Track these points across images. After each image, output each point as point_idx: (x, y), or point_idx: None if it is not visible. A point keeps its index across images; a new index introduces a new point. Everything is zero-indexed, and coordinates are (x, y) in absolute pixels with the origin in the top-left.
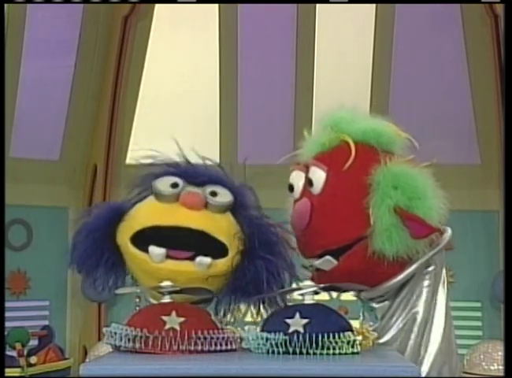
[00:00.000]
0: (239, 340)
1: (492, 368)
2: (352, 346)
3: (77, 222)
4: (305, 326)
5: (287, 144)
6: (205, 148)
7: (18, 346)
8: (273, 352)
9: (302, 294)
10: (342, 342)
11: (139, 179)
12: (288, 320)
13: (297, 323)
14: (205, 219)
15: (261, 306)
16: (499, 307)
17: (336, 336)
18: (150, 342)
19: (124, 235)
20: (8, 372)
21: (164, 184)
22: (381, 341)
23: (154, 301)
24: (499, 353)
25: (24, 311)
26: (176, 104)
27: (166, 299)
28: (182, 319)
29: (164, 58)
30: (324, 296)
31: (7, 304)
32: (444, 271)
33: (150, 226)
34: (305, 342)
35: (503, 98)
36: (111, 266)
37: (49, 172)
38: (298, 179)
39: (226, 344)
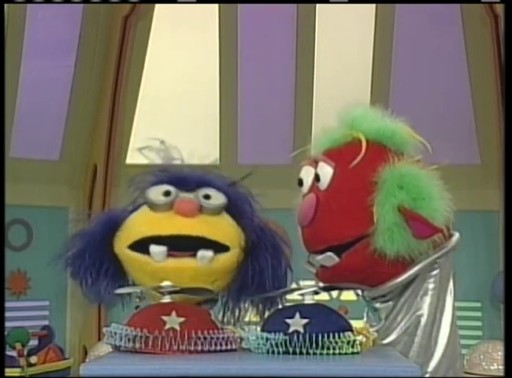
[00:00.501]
0: (239, 340)
1: (492, 368)
2: (352, 346)
3: (74, 232)
4: (305, 326)
5: (287, 144)
6: (205, 148)
7: (18, 346)
8: (273, 352)
9: (302, 294)
10: (342, 342)
11: (132, 186)
12: (288, 320)
13: (297, 323)
14: (203, 224)
15: (263, 306)
16: (499, 307)
17: (336, 336)
18: (150, 342)
19: (121, 244)
20: (8, 372)
21: (156, 193)
22: (384, 342)
23: (153, 301)
24: (499, 353)
25: (24, 311)
26: (176, 104)
27: (166, 299)
28: (182, 319)
29: (164, 58)
30: (324, 296)
31: (7, 304)
32: (452, 276)
33: (149, 236)
34: (305, 342)
35: (503, 98)
36: (111, 276)
37: (49, 172)
38: (307, 174)
39: (226, 344)
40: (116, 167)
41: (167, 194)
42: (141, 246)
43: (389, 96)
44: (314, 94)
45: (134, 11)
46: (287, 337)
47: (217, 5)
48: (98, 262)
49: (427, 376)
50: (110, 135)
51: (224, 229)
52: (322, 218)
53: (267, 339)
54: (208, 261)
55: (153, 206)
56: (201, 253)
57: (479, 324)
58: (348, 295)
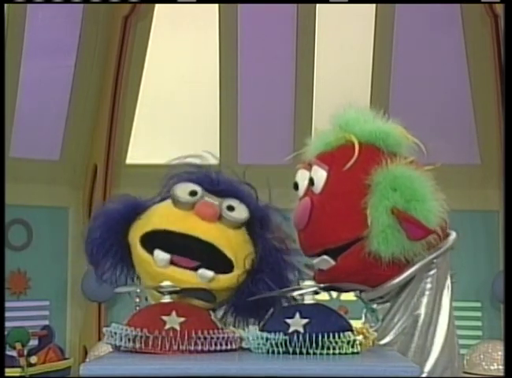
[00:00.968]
0: (239, 340)
1: (492, 368)
2: (352, 346)
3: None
4: (305, 326)
5: (287, 144)
6: (205, 148)
7: (18, 346)
8: (273, 352)
9: (302, 294)
10: (342, 342)
11: (164, 179)
12: (288, 320)
13: (297, 323)
14: (217, 231)
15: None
16: (499, 307)
17: (336, 336)
18: (151, 343)
19: (135, 234)
20: (8, 372)
21: (183, 191)
22: (382, 342)
23: (153, 301)
24: (499, 353)
25: (24, 311)
26: (176, 104)
27: (166, 299)
28: (182, 319)
29: (164, 58)
30: (324, 296)
31: (7, 304)
32: (449, 276)
33: (160, 229)
34: (305, 342)
35: (503, 98)
36: (119, 260)
37: (49, 172)
38: (302, 177)
39: (226, 344)
40: (116, 167)
41: (193, 193)
42: (150, 242)
43: (389, 96)
44: (314, 94)
45: (134, 11)
46: (287, 337)
47: (216, 5)
48: (109, 242)
49: (424, 375)
50: (110, 135)
51: (236, 244)
52: (317, 222)
53: (267, 339)
54: (207, 281)
55: (177, 202)
56: (201, 271)
57: (479, 324)
58: (348, 295)
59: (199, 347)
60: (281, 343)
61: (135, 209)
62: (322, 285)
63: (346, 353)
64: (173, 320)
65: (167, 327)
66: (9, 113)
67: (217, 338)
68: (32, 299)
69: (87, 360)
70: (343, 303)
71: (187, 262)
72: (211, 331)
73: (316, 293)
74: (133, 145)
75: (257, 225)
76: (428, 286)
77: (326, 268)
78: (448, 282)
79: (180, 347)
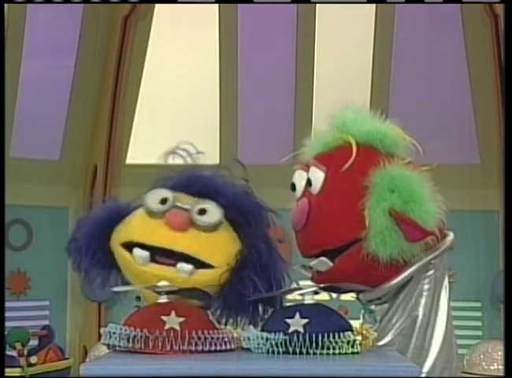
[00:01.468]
0: (237, 340)
1: (492, 368)
2: (352, 346)
3: (78, 219)
4: (305, 326)
5: (287, 144)
6: (205, 148)
7: (18, 346)
8: (273, 352)
9: (302, 294)
10: (342, 342)
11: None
12: (288, 320)
13: (297, 323)
14: (187, 240)
15: (262, 308)
16: (499, 307)
17: (336, 336)
18: (151, 343)
19: (115, 239)
20: (8, 371)
21: (153, 200)
22: (380, 343)
23: (146, 302)
24: (499, 353)
25: (24, 311)
26: (176, 104)
27: (163, 299)
28: (181, 319)
29: (164, 58)
30: (324, 296)
31: (7, 304)
32: (446, 276)
33: (135, 241)
34: (305, 342)
35: (503, 98)
36: (105, 265)
37: (49, 172)
38: (300, 178)
39: (226, 344)
40: (116, 167)
41: (164, 201)
42: (131, 245)
43: (389, 96)
44: (314, 94)
45: (134, 11)
46: (287, 337)
47: (217, 5)
48: (93, 249)
49: (423, 376)
50: (110, 135)
51: (212, 247)
52: (315, 223)
53: (267, 339)
54: (187, 274)
55: (149, 212)
56: (180, 265)
57: (479, 324)
58: (348, 295)
59: (199, 347)
60: (281, 343)
61: (118, 215)
62: (322, 285)
63: (346, 353)
64: (173, 320)
65: (167, 327)
66: (9, 113)
67: (217, 338)
68: (32, 299)
69: (87, 360)
70: (343, 303)
71: (167, 259)
72: (210, 332)
73: (316, 293)
74: (133, 145)
75: (244, 222)
76: (426, 287)
77: (324, 269)
78: (446, 282)
79: (181, 347)
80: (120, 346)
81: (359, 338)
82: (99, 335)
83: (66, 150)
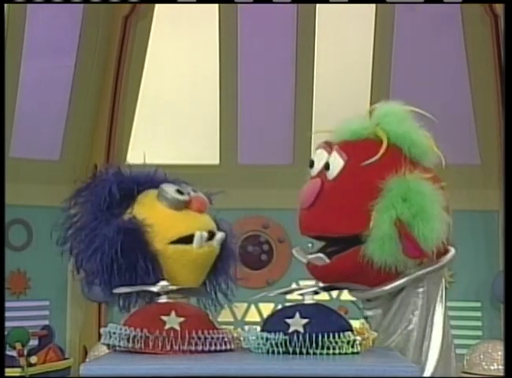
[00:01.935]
0: (237, 340)
1: (492, 368)
2: (352, 346)
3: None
4: (305, 326)
5: (287, 144)
6: (205, 148)
7: (18, 346)
8: (273, 352)
9: (302, 294)
10: (342, 342)
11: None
12: (288, 320)
13: (297, 323)
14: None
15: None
16: (499, 307)
17: (336, 336)
18: (151, 343)
19: (158, 241)
20: (8, 372)
21: (172, 191)
22: None
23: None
24: (499, 353)
25: (24, 311)
26: (176, 104)
27: (163, 299)
28: (181, 319)
29: (164, 58)
30: (324, 296)
31: (7, 304)
32: (443, 290)
33: (183, 236)
34: (305, 342)
35: (503, 98)
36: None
37: (49, 172)
38: (320, 157)
39: (226, 344)
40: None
41: (180, 192)
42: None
43: (389, 96)
44: (314, 94)
45: (134, 11)
46: (287, 337)
47: (216, 5)
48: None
49: None
50: (110, 135)
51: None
52: (321, 206)
53: (267, 339)
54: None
55: (174, 203)
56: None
57: (479, 324)
58: (348, 295)
59: (199, 347)
60: (281, 343)
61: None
62: (322, 285)
63: (346, 353)
64: (173, 320)
65: (167, 327)
66: (9, 113)
67: (217, 338)
68: (32, 299)
69: (87, 360)
70: (343, 303)
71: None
72: (210, 331)
73: (316, 293)
74: (133, 145)
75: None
76: (420, 302)
77: (320, 264)
78: (442, 296)
79: (181, 347)
80: (120, 346)
81: (359, 338)
82: (99, 335)
83: (66, 150)
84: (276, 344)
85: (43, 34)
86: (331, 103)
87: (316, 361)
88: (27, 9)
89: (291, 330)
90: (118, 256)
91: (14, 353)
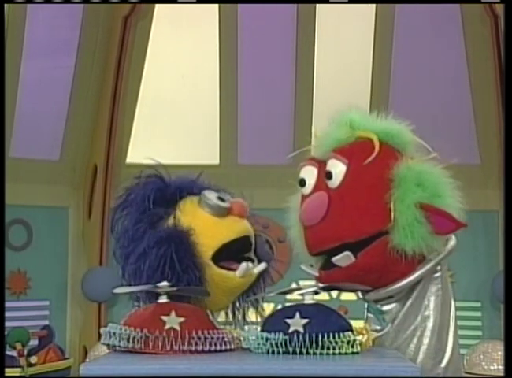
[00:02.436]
0: (237, 340)
1: (492, 368)
2: (352, 346)
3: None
4: (305, 326)
5: (287, 144)
6: (205, 148)
7: (18, 346)
8: (273, 352)
9: (302, 294)
10: (342, 342)
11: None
12: (288, 320)
13: (297, 323)
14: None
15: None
16: (499, 307)
17: (336, 336)
18: (151, 343)
19: (204, 251)
20: (8, 371)
21: (214, 197)
22: (393, 345)
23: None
24: (499, 353)
25: (24, 311)
26: (176, 104)
27: (163, 299)
28: (181, 319)
29: (164, 58)
30: (324, 296)
31: (7, 304)
32: (448, 278)
33: (226, 242)
34: (305, 342)
35: (503, 98)
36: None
37: (49, 172)
38: (310, 173)
39: (226, 344)
40: (116, 167)
41: (222, 199)
42: (222, 257)
43: (389, 96)
44: (314, 94)
45: (134, 11)
46: (287, 337)
47: (217, 5)
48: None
49: (441, 376)
50: (110, 135)
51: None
52: (336, 215)
53: (267, 339)
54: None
55: (217, 210)
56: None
57: (479, 324)
58: (348, 295)
59: (199, 347)
60: (281, 343)
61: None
62: (322, 285)
63: (346, 353)
64: (173, 320)
65: (167, 327)
66: (9, 113)
67: (217, 338)
68: (32, 299)
69: (87, 360)
70: (343, 303)
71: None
72: (210, 331)
73: (316, 293)
74: (133, 145)
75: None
76: (435, 288)
77: (345, 265)
78: (448, 281)
79: (181, 347)
80: (120, 346)
81: (359, 338)
82: (99, 335)
83: (66, 150)
84: (276, 344)
85: (43, 34)
86: (331, 103)
87: (316, 361)
88: (27, 9)
89: (291, 330)
90: (166, 264)
91: (14, 353)
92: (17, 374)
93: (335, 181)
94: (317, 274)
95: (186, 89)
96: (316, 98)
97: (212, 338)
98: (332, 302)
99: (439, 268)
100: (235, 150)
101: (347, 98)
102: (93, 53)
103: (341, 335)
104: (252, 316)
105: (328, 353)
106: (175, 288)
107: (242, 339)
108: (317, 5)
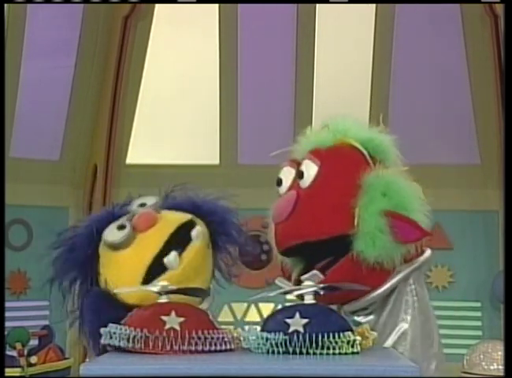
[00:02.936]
0: (237, 340)
1: (492, 368)
2: (352, 346)
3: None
4: (305, 326)
5: (287, 144)
6: (205, 148)
7: (18, 346)
8: (273, 352)
9: (302, 294)
10: (342, 342)
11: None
12: (288, 320)
13: (297, 323)
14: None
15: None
16: (499, 307)
17: (336, 336)
18: (151, 343)
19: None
20: (8, 372)
21: (109, 232)
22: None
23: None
24: (499, 353)
25: (24, 311)
26: (176, 104)
27: (163, 299)
28: (181, 319)
29: (164, 58)
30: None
31: (7, 304)
32: (426, 290)
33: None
34: (305, 342)
35: (503, 98)
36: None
37: (49, 172)
38: (287, 174)
39: (226, 344)
40: (116, 167)
41: (122, 226)
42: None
43: (389, 96)
44: (314, 94)
45: (134, 11)
46: (287, 337)
47: (217, 5)
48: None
49: None
50: (110, 135)
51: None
52: (301, 213)
53: (267, 339)
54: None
55: (119, 244)
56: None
57: (479, 324)
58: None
59: (199, 347)
60: (281, 343)
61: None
62: (322, 285)
63: (346, 353)
64: (173, 320)
65: (167, 327)
66: (9, 113)
67: (217, 338)
68: (32, 299)
69: (87, 360)
70: None
71: None
72: (210, 331)
73: (316, 293)
74: (133, 145)
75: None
76: (411, 300)
77: (316, 282)
78: (427, 295)
79: (181, 347)
80: (120, 346)
81: (359, 338)
82: (99, 335)
83: (66, 150)
84: (276, 344)
85: (43, 34)
86: (331, 103)
87: (316, 361)
88: (27, 9)
89: (291, 330)
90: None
91: (14, 353)
92: (17, 374)
93: (306, 181)
94: (289, 288)
95: (186, 89)
96: (316, 98)
97: (212, 338)
98: None
99: (411, 280)
100: (235, 150)
101: (347, 98)
102: (93, 53)
103: (341, 335)
104: (252, 316)
105: (328, 353)
106: (175, 288)
107: (242, 339)
108: (317, 5)
